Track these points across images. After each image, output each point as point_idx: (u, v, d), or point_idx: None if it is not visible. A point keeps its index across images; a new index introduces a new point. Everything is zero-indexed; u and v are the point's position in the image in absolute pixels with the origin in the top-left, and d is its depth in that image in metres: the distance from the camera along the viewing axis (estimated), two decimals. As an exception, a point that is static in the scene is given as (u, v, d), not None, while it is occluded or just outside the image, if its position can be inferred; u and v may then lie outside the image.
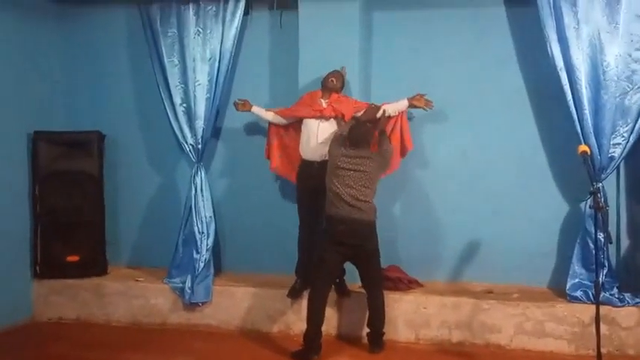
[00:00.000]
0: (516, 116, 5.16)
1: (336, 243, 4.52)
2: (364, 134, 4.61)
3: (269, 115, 5.19)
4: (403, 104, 4.94)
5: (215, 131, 5.59)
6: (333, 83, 4.88)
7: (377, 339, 4.71)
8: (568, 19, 4.71)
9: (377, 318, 4.68)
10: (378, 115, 4.82)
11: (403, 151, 5.04)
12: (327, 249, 4.54)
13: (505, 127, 5.18)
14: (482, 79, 5.20)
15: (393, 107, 4.94)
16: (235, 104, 5.24)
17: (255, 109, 5.19)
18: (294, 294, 5.02)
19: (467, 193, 5.24)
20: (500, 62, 5.17)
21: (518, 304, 4.74)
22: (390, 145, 4.81)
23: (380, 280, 4.74)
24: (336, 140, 4.65)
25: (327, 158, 4.69)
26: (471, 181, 5.24)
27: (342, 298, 4.97)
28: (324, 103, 4.86)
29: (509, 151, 5.18)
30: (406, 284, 5.08)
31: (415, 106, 4.94)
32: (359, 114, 4.88)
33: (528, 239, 5.10)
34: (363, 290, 4.77)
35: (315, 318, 4.54)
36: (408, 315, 4.90)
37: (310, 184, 4.87)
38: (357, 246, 4.53)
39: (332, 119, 4.86)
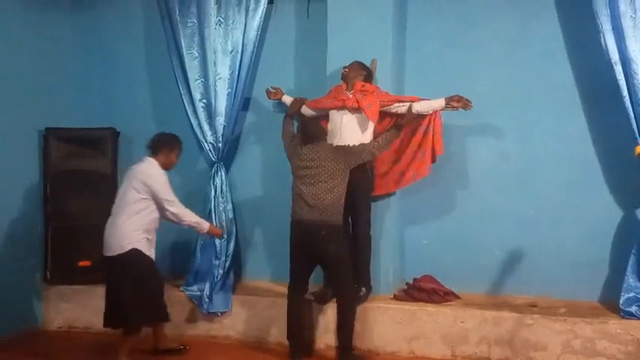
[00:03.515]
0: (564, 114, 5.06)
1: (297, 247, 4.60)
2: (314, 129, 4.71)
3: None
4: (439, 103, 4.84)
5: (237, 128, 5.58)
6: (345, 73, 4.91)
7: (344, 355, 4.62)
8: (624, 7, 4.60)
9: (340, 331, 4.63)
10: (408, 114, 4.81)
11: (433, 156, 4.95)
12: (292, 253, 4.64)
13: (552, 125, 5.09)
14: (527, 73, 5.12)
15: (428, 105, 4.85)
16: (267, 92, 5.29)
17: (285, 98, 5.25)
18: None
19: (509, 198, 5.16)
20: (548, 55, 5.08)
21: (565, 320, 4.64)
22: (385, 143, 4.71)
23: (345, 290, 4.64)
24: (293, 139, 4.83)
25: None
26: (514, 184, 5.16)
27: (319, 304, 4.96)
28: (349, 94, 4.86)
29: (557, 152, 5.08)
30: (442, 296, 5.03)
31: (453, 107, 4.83)
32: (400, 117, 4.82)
33: (577, 248, 5.00)
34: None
35: (293, 323, 4.69)
36: (444, 329, 4.84)
37: None
38: (318, 249, 4.54)
39: (357, 113, 4.80)
